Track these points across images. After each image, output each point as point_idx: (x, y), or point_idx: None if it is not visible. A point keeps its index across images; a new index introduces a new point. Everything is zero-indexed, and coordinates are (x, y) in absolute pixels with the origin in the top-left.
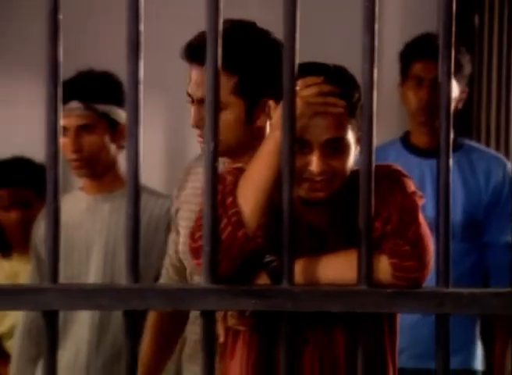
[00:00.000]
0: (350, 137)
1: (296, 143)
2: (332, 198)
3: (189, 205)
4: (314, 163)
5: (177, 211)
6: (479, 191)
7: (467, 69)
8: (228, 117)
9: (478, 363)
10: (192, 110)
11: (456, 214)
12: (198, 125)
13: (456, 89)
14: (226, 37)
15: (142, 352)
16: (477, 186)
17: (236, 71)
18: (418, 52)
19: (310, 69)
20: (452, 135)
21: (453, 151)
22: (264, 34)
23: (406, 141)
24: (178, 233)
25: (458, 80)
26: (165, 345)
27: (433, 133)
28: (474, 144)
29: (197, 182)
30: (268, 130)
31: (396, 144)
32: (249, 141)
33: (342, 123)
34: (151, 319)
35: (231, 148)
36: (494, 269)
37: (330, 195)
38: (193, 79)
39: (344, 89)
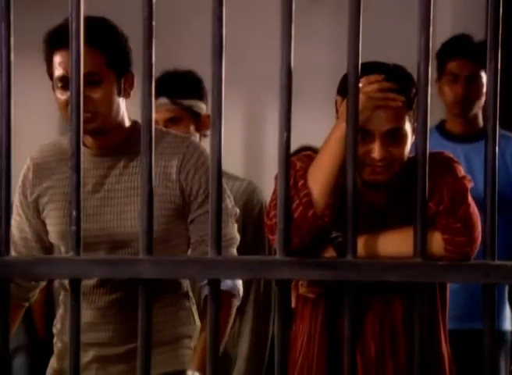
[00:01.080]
0: (408, 127)
1: (359, 133)
2: (390, 182)
3: (61, 189)
4: (376, 150)
5: (42, 195)
6: (508, 173)
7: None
8: (105, 89)
9: (508, 324)
10: (59, 93)
11: None
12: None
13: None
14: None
15: None
16: (505, 168)
17: (105, 49)
18: (453, 51)
19: (372, 67)
20: (481, 123)
21: (483, 137)
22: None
23: (442, 128)
24: (39, 215)
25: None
26: None
27: (466, 122)
28: (502, 130)
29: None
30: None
31: (432, 132)
32: (116, 115)
33: (400, 116)
34: None
35: (107, 120)
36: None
37: (389, 179)
38: (64, 62)
39: (402, 85)
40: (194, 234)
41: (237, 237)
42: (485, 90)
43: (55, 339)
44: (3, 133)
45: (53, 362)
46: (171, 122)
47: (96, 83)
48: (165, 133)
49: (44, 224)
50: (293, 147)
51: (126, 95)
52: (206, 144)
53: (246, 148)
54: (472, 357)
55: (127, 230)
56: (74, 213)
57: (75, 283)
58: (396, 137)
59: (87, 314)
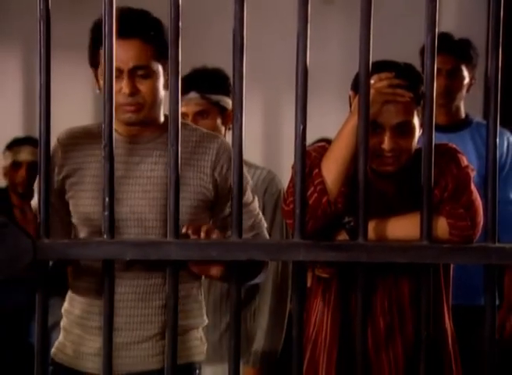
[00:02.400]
0: (416, 121)
1: (371, 125)
2: (399, 172)
3: (90, 170)
4: (386, 142)
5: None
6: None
7: (475, 60)
8: (156, 83)
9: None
10: (125, 81)
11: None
12: (133, 94)
13: (467, 77)
14: (145, 18)
15: None
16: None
17: (154, 42)
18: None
19: (384, 66)
20: (463, 114)
21: (466, 127)
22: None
23: None
24: (62, 195)
25: (468, 70)
26: None
27: (449, 113)
28: (481, 120)
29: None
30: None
31: None
32: (159, 106)
33: (409, 110)
34: None
35: (152, 112)
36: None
37: (397, 169)
38: (122, 52)
39: (411, 82)
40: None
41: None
42: (465, 82)
43: (63, 319)
44: (42, 125)
45: (63, 345)
46: (199, 115)
47: (145, 76)
48: (196, 130)
49: (65, 204)
50: (309, 138)
51: (167, 87)
52: (230, 136)
53: (265, 139)
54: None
55: (157, 217)
56: (107, 199)
57: (108, 265)
58: (405, 130)
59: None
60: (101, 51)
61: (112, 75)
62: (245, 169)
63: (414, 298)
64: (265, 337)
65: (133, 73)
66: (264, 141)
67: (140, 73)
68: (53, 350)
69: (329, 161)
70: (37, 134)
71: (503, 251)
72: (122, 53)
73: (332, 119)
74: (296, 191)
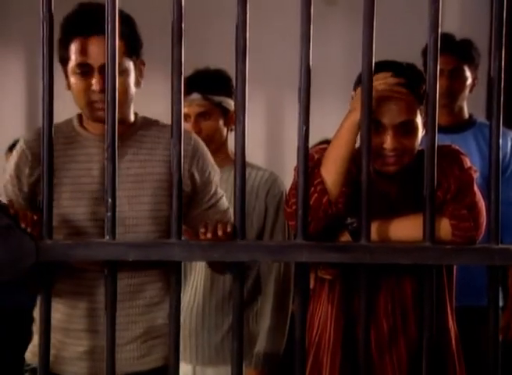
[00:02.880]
0: (419, 120)
1: (373, 125)
2: (401, 172)
3: (68, 171)
4: (389, 141)
5: None
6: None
7: (477, 60)
8: (127, 80)
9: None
10: (95, 77)
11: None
12: (103, 91)
13: (469, 77)
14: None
15: None
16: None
17: (125, 38)
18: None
19: (385, 66)
20: (467, 115)
21: (469, 127)
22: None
23: None
24: (34, 197)
25: (470, 70)
26: None
27: (452, 113)
28: (485, 121)
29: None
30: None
31: None
32: (130, 104)
33: (412, 109)
34: None
35: (123, 109)
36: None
37: (400, 169)
38: (93, 49)
39: (413, 81)
40: (211, 219)
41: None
42: (468, 83)
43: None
44: (45, 126)
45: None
46: (201, 116)
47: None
48: (167, 127)
49: (34, 207)
50: (311, 140)
51: (138, 85)
52: (233, 138)
53: (267, 140)
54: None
55: (137, 214)
56: (109, 200)
57: (111, 266)
58: (407, 129)
59: (90, 300)
60: (72, 48)
61: (115, 76)
62: (247, 172)
63: (417, 299)
64: (267, 338)
65: (103, 70)
66: (267, 143)
67: None
68: (27, 354)
69: (328, 160)
70: None
71: (506, 252)
72: (92, 50)
73: (335, 121)
74: (298, 193)
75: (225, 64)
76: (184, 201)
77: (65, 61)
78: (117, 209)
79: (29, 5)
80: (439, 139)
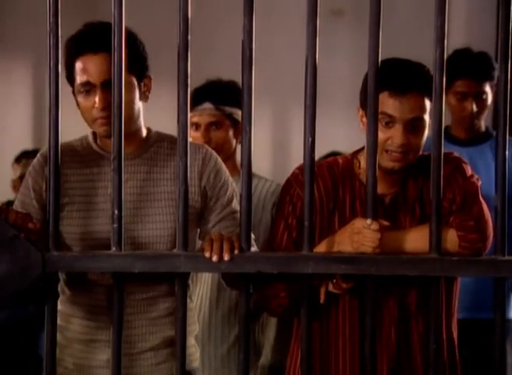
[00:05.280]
0: (427, 118)
1: (383, 117)
2: (403, 171)
3: (81, 190)
4: (398, 136)
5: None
6: (510, 173)
7: (495, 74)
8: (129, 95)
9: (510, 313)
10: (98, 95)
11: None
12: (105, 108)
13: (490, 94)
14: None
15: None
16: (509, 169)
17: (126, 55)
18: (459, 70)
19: (394, 64)
20: (483, 128)
21: (486, 140)
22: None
23: (447, 134)
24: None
25: (491, 86)
26: None
27: (469, 128)
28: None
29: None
30: None
31: None
32: (137, 118)
33: (424, 106)
34: None
35: (130, 124)
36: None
37: (403, 168)
38: (93, 66)
39: (423, 83)
40: (222, 231)
41: None
42: (489, 102)
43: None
44: (52, 138)
45: (60, 359)
46: (212, 126)
47: None
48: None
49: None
50: (318, 151)
51: (145, 99)
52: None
53: (274, 151)
54: (477, 345)
55: (149, 233)
56: (116, 212)
57: (118, 277)
58: (416, 125)
59: (108, 312)
60: (76, 68)
61: (122, 91)
62: (254, 183)
63: (421, 312)
64: (272, 351)
65: (105, 87)
66: (273, 153)
67: None
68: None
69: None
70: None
71: None
72: (92, 67)
73: (341, 132)
74: (305, 206)
75: (232, 75)
76: (196, 218)
77: (71, 82)
78: (129, 228)
79: (36, 16)
80: (457, 152)
